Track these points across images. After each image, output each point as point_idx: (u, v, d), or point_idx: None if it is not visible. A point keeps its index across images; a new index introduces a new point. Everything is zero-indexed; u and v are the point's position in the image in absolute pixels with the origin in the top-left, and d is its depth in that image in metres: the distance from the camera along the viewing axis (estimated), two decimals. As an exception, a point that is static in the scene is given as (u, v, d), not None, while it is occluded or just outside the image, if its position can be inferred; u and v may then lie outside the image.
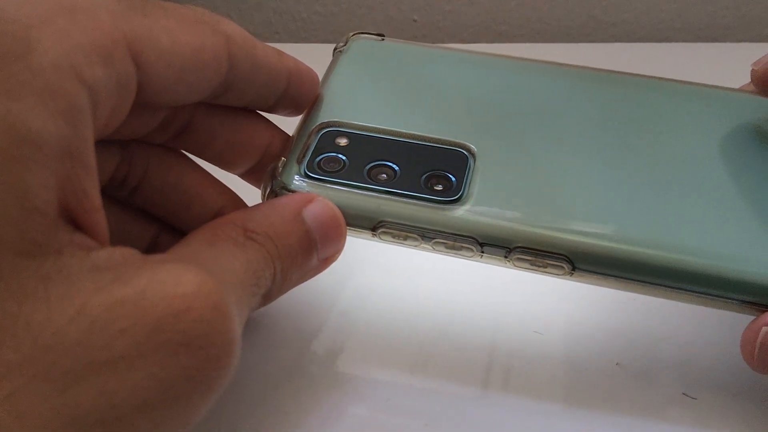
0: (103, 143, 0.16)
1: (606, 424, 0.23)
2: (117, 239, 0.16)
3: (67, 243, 0.14)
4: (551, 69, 0.26)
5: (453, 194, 0.21)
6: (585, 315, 0.26)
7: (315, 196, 0.20)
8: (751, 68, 0.24)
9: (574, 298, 0.27)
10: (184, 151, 0.23)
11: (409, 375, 0.24)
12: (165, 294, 0.14)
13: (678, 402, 0.23)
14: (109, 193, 0.21)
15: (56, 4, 0.15)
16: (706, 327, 0.26)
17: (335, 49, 0.26)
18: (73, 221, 0.15)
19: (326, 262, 0.20)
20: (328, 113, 0.23)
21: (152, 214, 0.23)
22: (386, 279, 0.28)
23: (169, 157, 0.22)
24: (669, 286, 0.20)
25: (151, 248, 0.23)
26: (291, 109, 0.23)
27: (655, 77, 0.26)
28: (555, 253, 0.20)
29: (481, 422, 0.22)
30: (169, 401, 0.14)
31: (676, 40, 0.51)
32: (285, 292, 0.19)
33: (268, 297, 0.19)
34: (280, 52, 0.21)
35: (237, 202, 0.23)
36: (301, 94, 0.22)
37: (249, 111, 0.23)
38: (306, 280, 0.20)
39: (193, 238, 0.18)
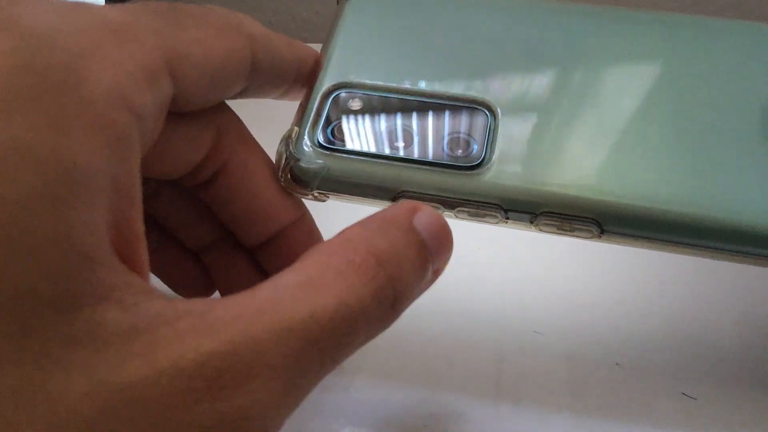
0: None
1: (605, 424, 0.23)
2: None
3: (115, 287, 0.13)
4: (572, 8, 0.24)
5: (474, 159, 0.20)
6: (585, 315, 0.26)
7: (419, 204, 0.19)
8: None
9: (574, 298, 0.27)
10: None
11: (410, 384, 0.24)
12: (180, 378, 0.13)
13: (678, 402, 0.23)
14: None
15: (104, 28, 0.15)
16: (706, 327, 0.26)
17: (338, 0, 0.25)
18: (121, 257, 0.14)
19: (437, 274, 0.19)
20: (337, 74, 0.22)
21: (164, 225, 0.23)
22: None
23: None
24: (702, 246, 0.20)
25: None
26: (300, 95, 0.23)
27: (684, 15, 0.24)
28: (583, 217, 0.20)
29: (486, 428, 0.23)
30: None
31: (676, 40, 0.51)
32: (405, 309, 0.18)
33: (385, 321, 0.17)
34: (290, 42, 0.21)
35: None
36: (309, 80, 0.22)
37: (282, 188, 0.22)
38: (419, 296, 0.19)
39: (293, 273, 0.15)
